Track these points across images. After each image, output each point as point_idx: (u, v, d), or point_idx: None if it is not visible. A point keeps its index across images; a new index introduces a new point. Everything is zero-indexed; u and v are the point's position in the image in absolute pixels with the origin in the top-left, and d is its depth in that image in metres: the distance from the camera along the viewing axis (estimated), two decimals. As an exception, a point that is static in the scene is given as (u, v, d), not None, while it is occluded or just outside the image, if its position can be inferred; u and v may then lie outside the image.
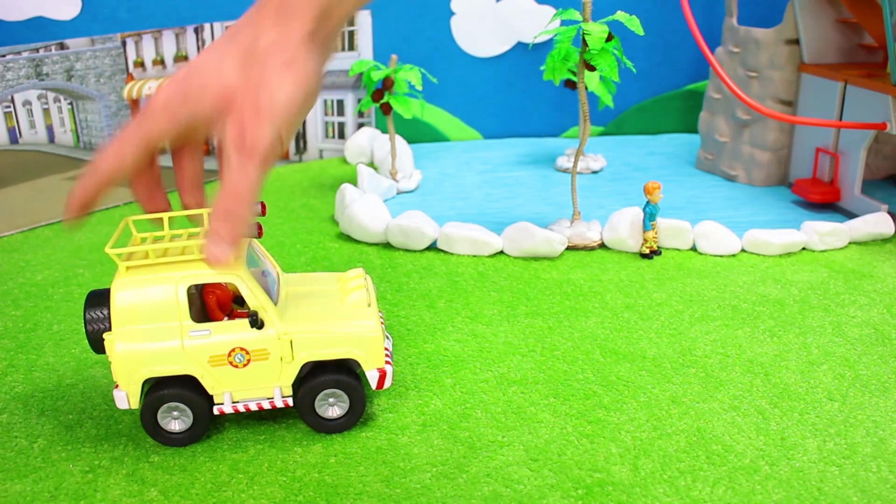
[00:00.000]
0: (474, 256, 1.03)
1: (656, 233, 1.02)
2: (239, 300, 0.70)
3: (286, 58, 0.54)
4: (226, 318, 0.68)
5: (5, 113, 1.14)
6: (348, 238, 1.10)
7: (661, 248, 1.05)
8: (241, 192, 0.54)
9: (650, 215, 1.01)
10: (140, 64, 1.27)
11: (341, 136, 1.49)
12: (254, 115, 0.53)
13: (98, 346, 0.63)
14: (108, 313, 0.62)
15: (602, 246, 1.06)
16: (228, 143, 0.54)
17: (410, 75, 1.22)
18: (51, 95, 1.18)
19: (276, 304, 0.64)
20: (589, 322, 0.85)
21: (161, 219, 0.65)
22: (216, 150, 0.59)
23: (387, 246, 1.07)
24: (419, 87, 1.23)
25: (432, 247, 1.06)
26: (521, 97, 1.58)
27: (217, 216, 0.55)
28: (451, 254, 1.04)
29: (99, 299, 0.63)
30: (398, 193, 1.27)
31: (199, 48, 1.31)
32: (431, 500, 0.59)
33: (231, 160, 0.54)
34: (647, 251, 1.02)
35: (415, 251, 1.05)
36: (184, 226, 0.68)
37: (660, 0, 1.52)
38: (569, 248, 1.05)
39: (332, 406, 0.66)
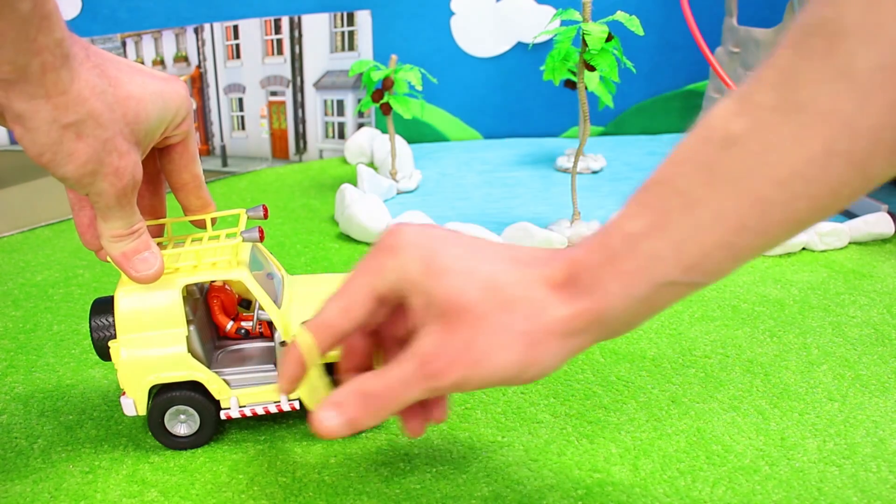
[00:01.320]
0: (474, 256, 1.03)
1: None
2: (244, 304, 0.70)
3: (537, 335, 0.45)
4: (231, 322, 0.68)
5: (5, 113, 1.14)
6: (348, 238, 1.10)
7: None
8: (388, 395, 0.48)
9: None
10: (140, 64, 1.27)
11: (341, 136, 1.49)
12: (457, 354, 0.46)
13: (104, 353, 0.63)
14: (114, 320, 0.62)
15: (602, 246, 1.05)
16: (419, 348, 0.47)
17: (410, 75, 1.22)
18: (51, 96, 1.18)
19: (279, 307, 0.64)
20: (589, 322, 0.85)
21: (163, 225, 0.65)
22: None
23: (387, 246, 1.07)
24: (419, 87, 1.23)
25: (432, 247, 1.06)
26: (521, 97, 1.58)
27: (355, 389, 0.49)
28: (451, 254, 1.04)
29: (105, 306, 0.63)
30: (398, 193, 1.27)
31: (199, 48, 1.31)
32: (431, 500, 0.59)
33: (406, 363, 0.47)
34: None
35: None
36: (187, 231, 0.68)
37: (660, 0, 1.52)
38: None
39: None
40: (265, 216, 0.66)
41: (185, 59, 1.31)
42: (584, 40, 0.99)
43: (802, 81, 0.37)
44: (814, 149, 0.37)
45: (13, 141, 1.15)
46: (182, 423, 0.64)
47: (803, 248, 1.04)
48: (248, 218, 0.65)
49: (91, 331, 0.63)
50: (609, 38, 0.99)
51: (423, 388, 0.47)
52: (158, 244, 0.65)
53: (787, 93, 0.38)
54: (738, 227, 0.40)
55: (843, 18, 0.36)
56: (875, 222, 1.05)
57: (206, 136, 1.36)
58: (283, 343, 0.60)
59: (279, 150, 1.45)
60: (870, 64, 0.36)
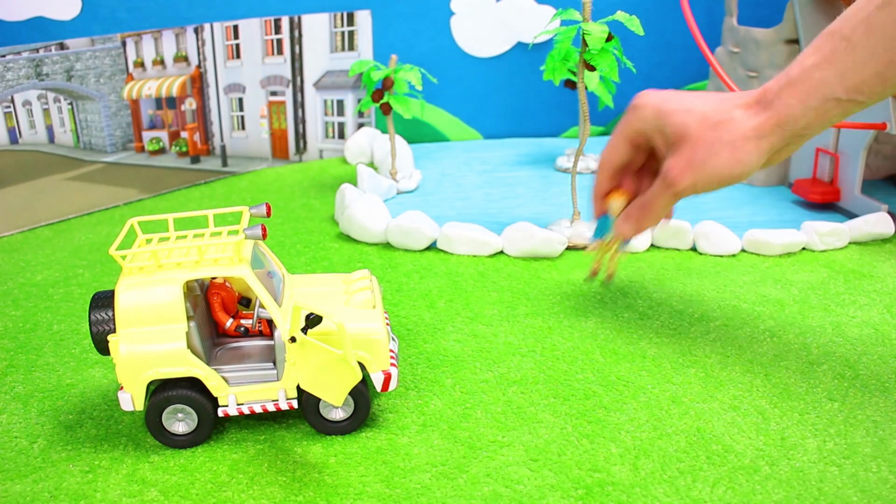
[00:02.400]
0: (474, 256, 1.03)
1: (614, 251, 0.79)
2: (244, 301, 0.70)
3: (737, 142, 0.63)
4: (230, 320, 0.68)
5: (5, 113, 1.14)
6: (348, 238, 1.10)
7: (657, 246, 1.05)
8: (646, 205, 0.71)
9: (602, 229, 0.77)
10: (140, 64, 1.27)
11: (341, 136, 1.49)
12: (686, 164, 0.65)
13: (103, 348, 0.63)
14: (113, 315, 0.62)
15: (602, 246, 1.05)
16: (665, 164, 0.67)
17: (410, 75, 1.22)
18: (51, 95, 1.18)
19: (280, 306, 0.64)
20: (589, 322, 0.85)
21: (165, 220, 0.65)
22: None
23: (387, 246, 1.07)
24: (419, 87, 1.23)
25: (432, 247, 1.06)
26: (521, 97, 1.58)
27: (629, 210, 0.73)
28: (451, 254, 1.04)
29: (104, 301, 0.63)
30: (398, 193, 1.27)
31: (199, 48, 1.31)
32: (431, 500, 0.59)
33: (654, 184, 0.69)
34: (599, 274, 0.80)
35: (415, 251, 1.05)
36: (188, 227, 0.68)
37: (660, 0, 1.52)
38: (569, 248, 1.05)
39: (337, 408, 0.65)
40: (268, 214, 0.66)
41: (185, 59, 1.31)
42: (584, 40, 0.99)
43: None
44: None
45: (13, 141, 1.16)
46: (180, 421, 0.64)
47: (803, 248, 1.04)
48: (250, 216, 0.65)
49: (90, 325, 0.62)
50: (609, 38, 0.99)
51: (670, 193, 0.68)
52: (161, 240, 0.66)
53: None
54: (887, 61, 0.58)
55: None
56: (875, 222, 1.05)
57: (206, 136, 1.36)
58: (292, 339, 0.60)
59: (279, 150, 1.45)
60: None
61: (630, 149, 0.72)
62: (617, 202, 0.74)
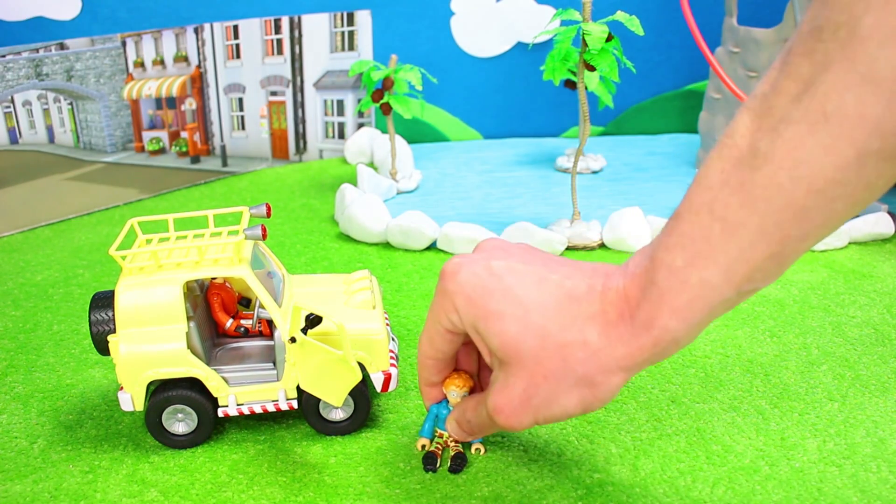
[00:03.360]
0: (474, 256, 1.03)
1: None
2: (244, 302, 0.70)
3: (593, 377, 0.47)
4: (230, 320, 0.68)
5: (5, 113, 1.14)
6: (348, 238, 1.10)
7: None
8: (473, 425, 0.57)
9: (438, 418, 0.63)
10: (140, 64, 1.27)
11: (341, 136, 1.49)
12: (521, 402, 0.50)
13: (103, 348, 0.63)
14: (113, 315, 0.62)
15: (602, 246, 1.06)
16: (489, 398, 0.52)
17: (410, 75, 1.22)
18: (51, 95, 1.18)
19: (280, 306, 0.64)
20: (589, 322, 0.85)
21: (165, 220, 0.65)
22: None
23: (387, 246, 1.07)
24: (419, 87, 1.23)
25: (432, 247, 1.06)
26: (521, 97, 1.58)
27: (456, 414, 0.60)
28: (452, 254, 1.04)
29: (104, 301, 0.63)
30: (398, 193, 1.27)
31: (199, 48, 1.31)
32: (431, 501, 0.59)
33: (483, 414, 0.54)
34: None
35: (415, 251, 1.05)
36: (188, 227, 0.68)
37: (660, 0, 1.52)
38: (569, 249, 1.05)
39: (337, 409, 0.65)
40: (268, 214, 0.65)
41: (185, 59, 1.31)
42: (584, 40, 0.99)
43: (824, 91, 0.38)
44: (847, 155, 0.38)
45: (13, 141, 1.15)
46: (180, 421, 0.64)
47: (803, 248, 1.04)
48: (250, 216, 0.65)
49: (90, 325, 0.62)
50: (609, 38, 0.99)
51: (501, 429, 0.53)
52: (161, 240, 0.65)
53: (810, 104, 0.38)
54: (782, 238, 0.42)
55: (859, 22, 0.36)
56: (875, 222, 1.05)
57: (206, 136, 1.36)
58: (292, 339, 0.60)
59: (279, 150, 1.45)
60: (892, 65, 0.36)
61: (451, 338, 0.55)
62: (455, 390, 0.60)
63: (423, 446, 0.63)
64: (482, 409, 0.53)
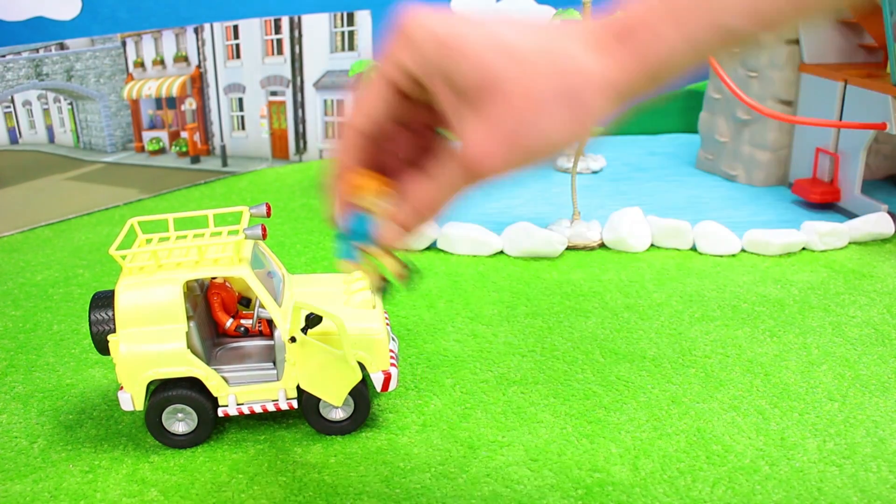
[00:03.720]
0: (474, 256, 1.03)
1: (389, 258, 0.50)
2: (244, 302, 0.70)
3: (583, 95, 0.43)
4: (230, 320, 0.68)
5: (5, 113, 1.14)
6: (348, 238, 1.10)
7: (658, 246, 1.05)
8: (426, 196, 0.46)
9: (356, 233, 0.49)
10: (140, 64, 1.27)
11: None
12: (498, 134, 0.43)
13: (103, 348, 0.63)
14: (113, 315, 0.62)
15: (602, 246, 1.06)
16: (467, 138, 0.43)
17: (410, 75, 1.22)
18: (51, 95, 1.18)
19: (280, 306, 0.64)
20: (589, 322, 0.85)
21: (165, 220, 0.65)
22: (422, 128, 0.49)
23: (387, 246, 1.07)
24: (419, 87, 1.23)
25: (432, 247, 1.06)
26: (521, 97, 1.58)
27: (404, 203, 0.46)
28: (451, 254, 1.04)
29: (104, 301, 0.63)
30: (398, 193, 1.27)
31: (199, 48, 1.31)
32: (431, 500, 0.59)
33: (450, 164, 0.45)
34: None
35: (415, 251, 1.05)
36: (188, 227, 0.68)
37: (660, 0, 1.52)
38: (569, 248, 1.05)
39: (337, 408, 0.65)
40: (268, 214, 0.65)
41: (185, 59, 1.31)
42: (584, 40, 0.99)
43: None
44: None
45: (13, 141, 1.15)
46: (180, 421, 0.64)
47: (803, 248, 1.04)
48: (250, 215, 0.65)
49: (90, 325, 0.62)
50: (609, 38, 0.99)
51: (468, 178, 0.44)
52: (161, 240, 0.65)
53: None
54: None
55: None
56: (875, 222, 1.05)
57: (207, 136, 1.36)
58: (292, 339, 0.60)
59: (279, 150, 1.45)
60: None
61: (393, 100, 0.47)
62: (371, 193, 0.49)
63: (352, 268, 0.49)
64: (449, 168, 0.44)
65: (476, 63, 0.41)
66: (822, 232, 1.03)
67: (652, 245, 1.05)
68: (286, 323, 0.61)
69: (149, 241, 0.65)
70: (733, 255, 1.02)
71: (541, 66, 0.42)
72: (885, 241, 1.06)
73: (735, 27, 0.39)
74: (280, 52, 1.39)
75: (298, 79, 1.43)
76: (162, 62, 1.29)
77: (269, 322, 0.68)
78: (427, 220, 0.46)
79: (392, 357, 0.66)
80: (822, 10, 0.39)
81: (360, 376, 0.59)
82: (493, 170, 0.43)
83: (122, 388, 0.62)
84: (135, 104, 1.28)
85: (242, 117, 1.40)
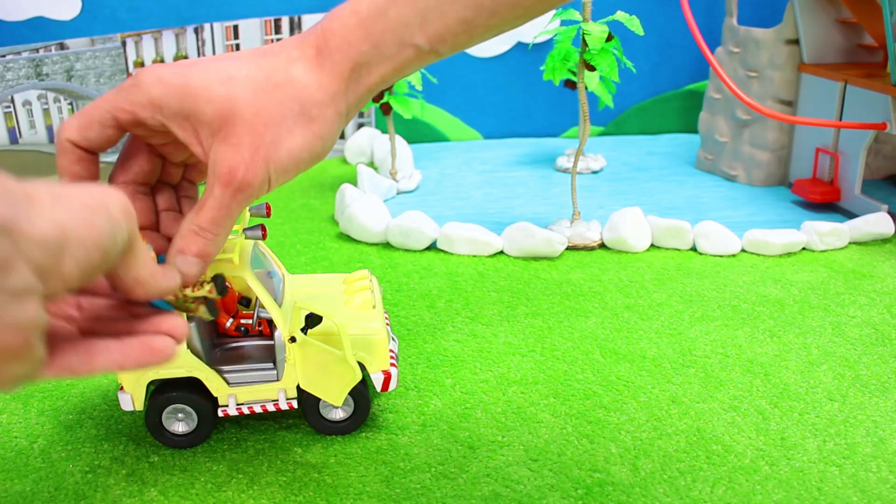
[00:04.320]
0: (474, 256, 1.03)
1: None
2: (244, 302, 0.70)
3: (309, 111, 0.49)
4: (230, 320, 0.68)
5: (5, 113, 1.14)
6: (348, 238, 1.10)
7: (658, 246, 1.05)
8: (216, 220, 0.50)
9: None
10: (140, 64, 1.27)
11: (341, 136, 1.49)
12: (252, 154, 0.48)
13: None
14: None
15: (602, 246, 1.06)
16: (214, 170, 0.48)
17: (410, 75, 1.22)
18: (51, 95, 1.18)
19: (280, 306, 0.64)
20: (589, 322, 0.85)
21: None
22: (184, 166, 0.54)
23: (387, 246, 1.07)
24: (419, 88, 1.23)
25: (432, 247, 1.06)
26: (521, 97, 1.58)
27: (186, 234, 0.50)
28: (451, 254, 1.04)
29: None
30: (398, 193, 1.27)
31: (199, 48, 1.31)
32: (431, 500, 0.59)
33: (212, 187, 0.49)
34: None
35: (415, 251, 1.05)
36: None
37: (660, 0, 1.52)
38: (569, 248, 1.05)
39: (337, 408, 0.65)
40: (268, 214, 0.65)
41: (185, 59, 1.31)
42: (584, 40, 0.99)
43: None
44: None
45: (13, 140, 1.15)
46: (180, 421, 0.64)
47: (803, 248, 1.04)
48: (250, 215, 0.65)
49: None
50: (609, 38, 0.99)
51: (240, 200, 0.49)
52: None
53: None
54: (477, 5, 0.46)
55: None
56: (875, 222, 1.05)
57: (206, 136, 1.36)
58: (292, 339, 0.60)
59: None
60: None
61: (113, 133, 0.50)
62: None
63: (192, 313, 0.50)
64: (214, 192, 0.49)
65: (217, 97, 0.47)
66: (822, 232, 1.03)
67: (652, 245, 1.05)
68: (286, 323, 0.62)
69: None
70: (733, 255, 1.02)
71: (275, 95, 0.48)
72: (885, 241, 1.06)
73: (418, 44, 0.48)
74: (280, 52, 1.39)
75: (298, 79, 1.43)
76: (162, 62, 1.29)
77: (269, 322, 0.68)
78: (217, 247, 0.50)
79: (392, 357, 0.66)
80: (489, 34, 0.47)
81: (359, 376, 0.59)
82: (258, 183, 0.48)
83: (121, 388, 0.62)
84: (135, 104, 1.28)
85: (242, 117, 1.40)
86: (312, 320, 0.60)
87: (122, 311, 0.45)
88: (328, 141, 0.49)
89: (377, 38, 0.48)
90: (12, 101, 1.14)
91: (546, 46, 1.52)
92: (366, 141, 1.46)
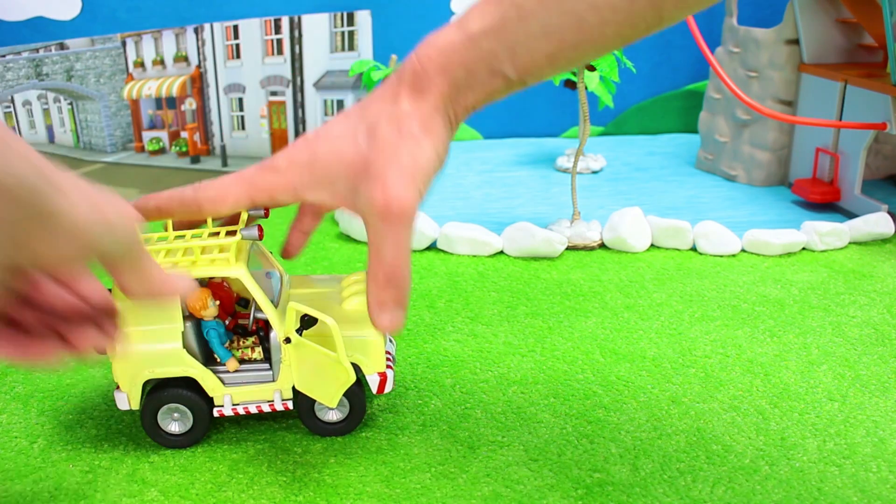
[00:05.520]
0: (474, 256, 1.03)
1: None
2: (242, 303, 0.70)
3: (421, 124, 0.53)
4: (227, 319, 0.68)
5: (5, 113, 1.14)
6: (348, 238, 1.10)
7: (658, 246, 1.05)
8: (399, 260, 0.52)
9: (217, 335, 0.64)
10: (140, 64, 1.27)
11: (341, 136, 1.49)
12: (398, 175, 0.51)
13: None
14: None
15: (602, 246, 1.06)
16: (373, 210, 0.51)
17: (410, 75, 1.22)
18: (51, 95, 1.18)
19: (277, 307, 0.64)
20: (589, 322, 0.85)
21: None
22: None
23: (387, 246, 1.07)
24: (419, 87, 1.23)
25: (432, 247, 1.06)
26: (521, 97, 1.57)
27: (379, 284, 0.52)
28: (451, 254, 1.04)
29: None
30: (398, 193, 1.27)
31: (199, 48, 1.31)
32: (431, 500, 0.59)
33: (379, 228, 0.51)
34: None
35: (415, 251, 1.05)
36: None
37: (660, 0, 1.52)
38: (569, 248, 1.05)
39: (332, 410, 0.65)
40: (266, 215, 0.65)
41: (185, 59, 1.31)
42: (584, 40, 0.99)
43: None
44: None
45: (13, 141, 1.15)
46: (175, 420, 0.64)
47: (803, 248, 1.04)
48: (249, 216, 0.65)
49: None
50: (609, 38, 0.99)
51: (405, 225, 0.52)
52: (160, 238, 0.65)
53: None
54: (560, 40, 0.49)
55: None
56: (875, 222, 1.05)
57: (207, 136, 1.36)
58: (286, 340, 0.60)
59: (279, 150, 1.45)
60: None
61: (246, 203, 0.58)
62: (212, 302, 0.62)
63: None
64: (378, 229, 0.52)
65: (350, 150, 0.52)
66: (822, 232, 1.03)
67: (652, 245, 1.05)
68: (282, 324, 0.62)
69: (147, 240, 0.65)
70: (733, 256, 1.02)
71: (386, 126, 0.52)
72: (885, 241, 1.06)
73: (507, 75, 0.52)
74: (280, 52, 1.39)
75: (298, 79, 1.43)
76: (162, 62, 1.29)
77: (266, 322, 0.68)
78: (406, 271, 0.54)
79: (389, 359, 0.66)
80: (570, 65, 0.51)
81: (353, 378, 0.59)
82: (413, 202, 0.51)
83: (118, 387, 0.63)
84: (135, 104, 1.28)
85: (242, 117, 1.40)
86: (307, 322, 0.60)
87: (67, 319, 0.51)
88: (447, 148, 0.54)
89: (471, 66, 0.52)
90: (12, 101, 1.14)
91: (546, 46, 1.52)
92: (366, 141, 1.45)
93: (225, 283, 0.69)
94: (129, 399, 0.63)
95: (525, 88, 0.53)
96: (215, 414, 0.64)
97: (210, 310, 0.62)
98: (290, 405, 0.65)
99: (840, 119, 1.14)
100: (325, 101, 1.46)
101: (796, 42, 1.21)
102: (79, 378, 0.76)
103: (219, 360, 0.64)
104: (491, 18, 0.50)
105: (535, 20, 0.49)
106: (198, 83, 1.33)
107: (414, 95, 0.53)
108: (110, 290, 0.55)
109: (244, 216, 0.66)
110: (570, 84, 1.31)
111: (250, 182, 0.56)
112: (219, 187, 0.57)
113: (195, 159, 1.35)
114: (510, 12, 0.49)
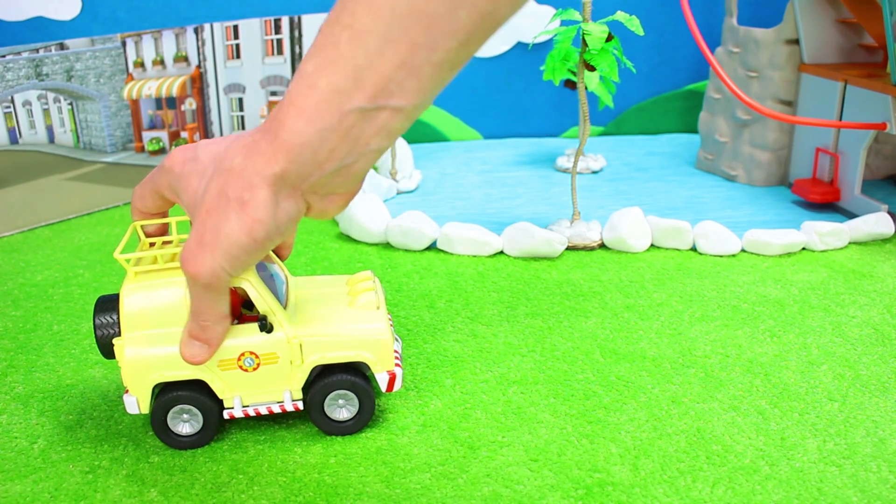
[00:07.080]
0: (474, 256, 1.03)
1: None
2: (248, 304, 0.70)
3: (244, 195, 0.48)
4: (234, 322, 0.68)
5: (5, 113, 1.14)
6: (348, 238, 1.10)
7: (658, 246, 1.05)
8: (198, 307, 0.56)
9: None
10: (140, 64, 1.27)
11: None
12: (197, 243, 0.50)
13: (108, 351, 0.63)
14: (118, 318, 0.62)
15: (602, 246, 1.06)
16: (181, 258, 0.53)
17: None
18: (51, 95, 1.18)
19: (284, 308, 0.64)
20: (589, 322, 0.85)
21: (168, 223, 0.65)
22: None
23: (387, 246, 1.07)
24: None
25: (432, 247, 1.06)
26: (521, 97, 1.58)
27: (188, 332, 0.59)
28: (451, 254, 1.04)
29: (109, 304, 0.63)
30: (398, 193, 1.27)
31: (199, 48, 1.31)
32: (431, 501, 0.59)
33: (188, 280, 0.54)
34: None
35: (415, 251, 1.05)
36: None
37: (660, 0, 1.52)
38: (569, 248, 1.05)
39: (342, 408, 0.66)
40: None
41: (185, 59, 1.31)
42: (584, 40, 0.99)
43: None
44: None
45: (13, 141, 1.16)
46: (185, 422, 0.64)
47: (803, 248, 1.04)
48: None
49: (95, 328, 0.63)
50: (609, 38, 0.99)
51: (200, 290, 0.53)
52: (165, 242, 0.66)
53: None
54: (409, 45, 0.41)
55: None
56: (875, 222, 1.05)
57: (207, 136, 1.36)
58: (262, 320, 0.62)
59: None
60: None
61: (160, 202, 0.60)
62: None
63: None
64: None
65: (190, 188, 0.52)
66: (822, 232, 1.03)
67: (652, 245, 1.05)
68: (289, 325, 0.62)
69: (152, 244, 0.65)
70: (733, 255, 1.02)
71: (216, 184, 0.50)
72: (885, 241, 1.06)
73: (361, 106, 0.44)
74: (280, 52, 1.39)
75: (298, 79, 1.43)
76: (162, 62, 1.29)
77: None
78: (215, 342, 0.60)
79: (397, 357, 0.67)
80: (443, 71, 0.44)
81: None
82: (207, 272, 0.51)
83: (126, 391, 0.62)
84: (135, 104, 1.28)
85: (242, 117, 1.40)
86: (264, 327, 0.62)
87: None
88: (266, 226, 0.48)
89: (312, 115, 0.44)
90: (12, 101, 1.14)
91: (546, 46, 1.52)
92: (366, 141, 1.45)
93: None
94: (138, 403, 0.62)
95: (402, 114, 0.45)
96: (225, 416, 0.64)
97: None
98: (301, 405, 0.65)
99: (840, 119, 1.14)
100: (325, 101, 1.46)
101: (796, 42, 1.21)
102: (79, 378, 0.76)
103: None
104: (324, 50, 0.44)
105: (372, 34, 0.42)
106: (198, 83, 1.33)
107: (253, 152, 0.48)
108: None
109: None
110: (570, 84, 1.31)
111: (152, 180, 0.58)
112: (138, 187, 0.60)
113: (195, 159, 1.35)
114: (341, 36, 0.43)
